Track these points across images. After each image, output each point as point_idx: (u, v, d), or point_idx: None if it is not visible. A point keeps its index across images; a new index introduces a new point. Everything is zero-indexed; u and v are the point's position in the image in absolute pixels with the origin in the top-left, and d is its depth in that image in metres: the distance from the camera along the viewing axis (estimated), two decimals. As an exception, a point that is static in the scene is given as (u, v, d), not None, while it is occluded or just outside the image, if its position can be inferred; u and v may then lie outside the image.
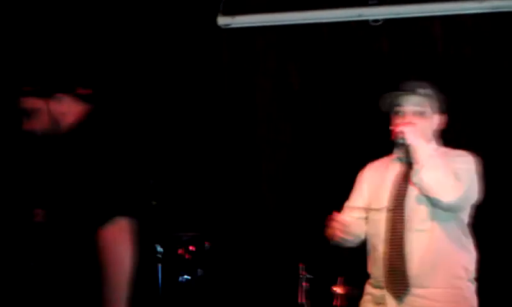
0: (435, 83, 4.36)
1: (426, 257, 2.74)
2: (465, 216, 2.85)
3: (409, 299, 2.74)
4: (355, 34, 4.60)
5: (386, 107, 2.96)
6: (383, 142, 4.07)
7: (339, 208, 3.08)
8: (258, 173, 4.66)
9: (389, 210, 2.85)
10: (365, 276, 4.14)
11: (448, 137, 4.33)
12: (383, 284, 2.82)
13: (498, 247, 4.09)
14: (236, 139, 4.70)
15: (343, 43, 4.63)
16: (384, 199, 2.88)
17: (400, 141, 2.81)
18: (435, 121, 2.95)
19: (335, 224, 2.89)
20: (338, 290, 3.79)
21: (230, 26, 4.75)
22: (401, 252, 2.76)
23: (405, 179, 2.86)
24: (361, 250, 4.16)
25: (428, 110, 2.90)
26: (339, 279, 3.84)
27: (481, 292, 2.93)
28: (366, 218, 2.99)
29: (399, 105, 2.89)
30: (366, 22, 4.56)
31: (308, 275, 3.87)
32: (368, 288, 2.96)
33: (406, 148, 2.83)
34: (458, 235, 2.81)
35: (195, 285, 4.31)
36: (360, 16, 4.57)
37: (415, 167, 2.73)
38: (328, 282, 3.89)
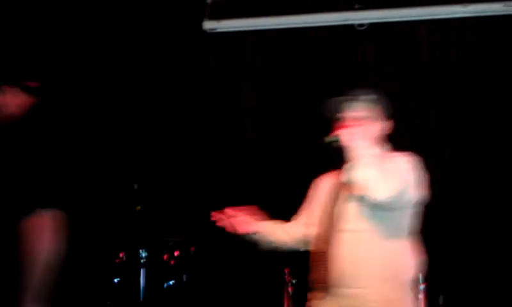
0: (421, 86, 4.43)
1: (358, 257, 2.73)
2: (403, 217, 2.81)
3: (342, 299, 2.73)
4: (341, 38, 4.61)
5: (328, 113, 2.95)
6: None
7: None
8: (245, 176, 4.63)
9: (324, 214, 2.89)
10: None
11: (435, 138, 4.39)
12: (318, 286, 2.82)
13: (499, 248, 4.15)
14: (222, 143, 4.68)
15: (329, 47, 4.63)
16: (326, 206, 2.93)
17: (335, 144, 2.77)
18: (377, 127, 2.92)
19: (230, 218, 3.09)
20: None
21: (215, 30, 4.75)
22: (332, 254, 2.76)
23: (341, 183, 2.88)
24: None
25: (368, 116, 2.88)
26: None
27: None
28: (311, 225, 3.01)
29: (339, 111, 2.89)
30: (351, 26, 4.58)
31: (293, 280, 3.85)
32: (309, 294, 2.93)
33: (343, 152, 2.78)
34: (393, 236, 2.78)
35: (180, 291, 4.28)
36: (345, 20, 4.58)
37: (348, 165, 2.70)
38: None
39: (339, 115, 2.88)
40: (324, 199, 2.96)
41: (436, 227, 4.24)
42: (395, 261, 2.77)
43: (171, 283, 4.27)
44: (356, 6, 4.56)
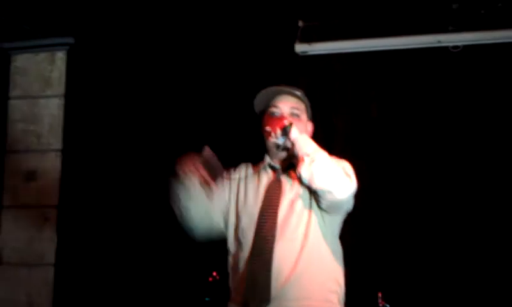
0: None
1: (298, 267, 2.48)
2: (338, 225, 2.66)
3: None
4: (434, 60, 4.57)
5: (261, 106, 2.79)
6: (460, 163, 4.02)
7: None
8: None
9: (260, 220, 2.58)
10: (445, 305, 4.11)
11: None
12: (243, 299, 2.52)
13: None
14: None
15: (422, 70, 4.60)
16: (255, 209, 2.62)
17: (279, 141, 2.61)
18: (308, 127, 2.81)
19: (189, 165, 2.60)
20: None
21: (307, 53, 4.79)
22: (268, 263, 2.48)
23: (278, 186, 2.64)
24: (442, 281, 4.13)
25: (303, 113, 2.76)
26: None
27: None
28: (228, 227, 2.71)
29: (275, 105, 2.74)
30: (445, 48, 4.53)
31: (386, 305, 3.85)
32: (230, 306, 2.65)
33: (284, 149, 2.63)
34: (332, 246, 2.60)
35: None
36: (439, 42, 4.54)
37: (304, 160, 2.48)
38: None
39: (274, 109, 2.72)
40: (254, 198, 2.65)
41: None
42: (335, 272, 2.60)
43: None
44: (450, 28, 4.52)
